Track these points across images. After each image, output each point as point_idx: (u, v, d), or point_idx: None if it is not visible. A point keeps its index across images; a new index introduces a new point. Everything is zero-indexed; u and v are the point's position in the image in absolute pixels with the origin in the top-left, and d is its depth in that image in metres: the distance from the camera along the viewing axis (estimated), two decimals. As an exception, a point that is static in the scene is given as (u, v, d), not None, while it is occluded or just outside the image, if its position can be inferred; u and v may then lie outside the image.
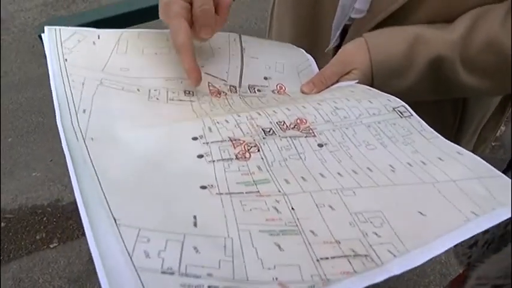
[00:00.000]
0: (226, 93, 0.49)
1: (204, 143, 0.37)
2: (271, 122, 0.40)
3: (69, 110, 0.38)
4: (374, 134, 0.40)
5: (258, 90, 0.51)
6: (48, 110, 1.95)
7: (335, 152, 0.38)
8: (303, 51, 0.58)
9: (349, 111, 0.42)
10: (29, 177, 1.84)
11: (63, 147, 0.33)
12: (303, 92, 0.52)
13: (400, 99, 0.45)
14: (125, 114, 0.40)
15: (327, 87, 0.52)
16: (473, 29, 0.47)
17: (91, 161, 0.32)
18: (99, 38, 0.49)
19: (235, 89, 0.50)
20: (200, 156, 0.36)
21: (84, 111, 0.39)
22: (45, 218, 1.69)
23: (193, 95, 0.47)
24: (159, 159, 0.35)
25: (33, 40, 2.57)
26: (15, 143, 1.98)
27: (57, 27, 0.48)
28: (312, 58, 0.57)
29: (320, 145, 0.39)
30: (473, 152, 0.37)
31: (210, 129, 0.39)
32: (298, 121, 0.41)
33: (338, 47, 0.57)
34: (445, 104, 0.61)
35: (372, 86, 0.50)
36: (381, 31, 0.52)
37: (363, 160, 0.37)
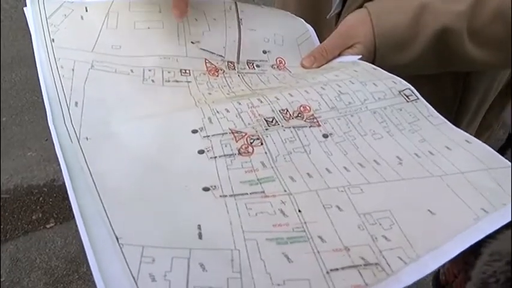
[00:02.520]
0: (224, 71, 0.47)
1: (204, 137, 0.35)
2: (273, 111, 0.38)
3: (61, 105, 0.36)
4: (380, 121, 0.39)
5: (257, 66, 0.49)
6: (42, 89, 1.91)
7: (340, 143, 0.36)
8: (302, 21, 0.55)
9: (353, 96, 0.41)
10: (24, 156, 1.82)
11: (57, 151, 0.31)
12: (303, 66, 0.50)
13: (402, 73, 0.43)
14: (119, 104, 0.38)
15: (328, 61, 0.50)
16: None
17: (88, 167, 0.30)
18: (86, 11, 0.46)
19: (234, 65, 0.48)
20: (201, 151, 0.34)
21: (76, 104, 0.36)
22: (41, 198, 1.68)
23: (189, 75, 0.45)
24: (159, 158, 0.33)
25: (25, 18, 2.49)
26: (9, 122, 1.95)
27: None
28: (312, 29, 0.55)
29: (325, 135, 0.37)
30: (477, 138, 0.36)
31: (210, 120, 0.37)
32: (302, 109, 0.39)
33: (340, 14, 0.55)
34: (445, 80, 0.59)
35: (374, 59, 0.49)
36: (383, 0, 0.49)
37: (370, 151, 0.36)
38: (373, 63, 0.48)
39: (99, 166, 0.31)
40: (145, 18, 0.48)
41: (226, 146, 0.35)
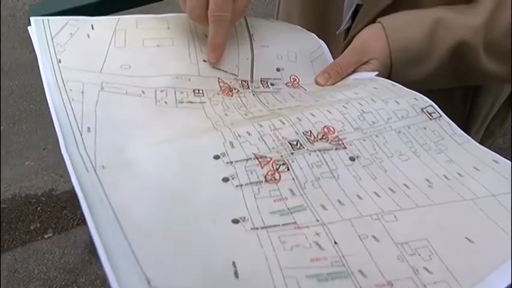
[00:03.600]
0: (238, 90, 0.45)
1: (227, 163, 0.34)
2: (297, 133, 0.37)
3: (73, 131, 0.34)
4: (405, 141, 0.38)
5: (271, 84, 0.48)
6: (41, 97, 1.89)
7: (368, 166, 0.35)
8: (315, 36, 0.54)
9: (376, 114, 0.39)
10: (22, 166, 1.79)
11: (73, 181, 0.29)
12: (317, 84, 0.49)
13: (418, 88, 0.43)
14: (134, 128, 0.36)
15: (342, 78, 0.49)
16: (497, 12, 0.45)
17: (107, 199, 0.29)
18: (93, 28, 0.44)
19: (247, 84, 0.47)
20: (226, 179, 0.32)
21: (88, 129, 0.35)
22: (39, 208, 1.65)
23: (203, 95, 0.43)
24: (182, 188, 0.31)
25: (23, 25, 2.47)
26: (7, 131, 1.92)
27: (45, 18, 0.43)
28: (324, 44, 0.53)
29: (352, 158, 0.36)
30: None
31: (231, 144, 0.35)
32: (326, 130, 0.37)
33: (349, 29, 0.54)
34: (455, 93, 0.59)
35: (389, 74, 0.48)
36: (397, 15, 0.49)
37: (398, 175, 0.35)
38: (388, 78, 0.47)
39: (120, 198, 0.29)
40: (154, 36, 0.46)
41: (251, 172, 0.33)
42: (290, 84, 0.49)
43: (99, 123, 0.36)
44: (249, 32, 0.51)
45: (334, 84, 0.49)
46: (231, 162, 0.34)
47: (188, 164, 0.33)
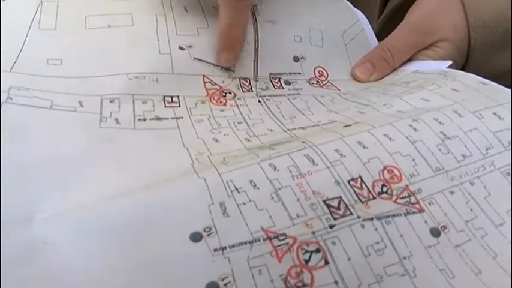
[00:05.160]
0: (234, 95, 0.30)
1: (216, 251, 0.18)
2: (337, 182, 0.21)
3: None
4: None
5: (287, 83, 0.32)
6: None
7: (463, 246, 0.20)
8: (349, 4, 0.37)
9: (468, 141, 0.24)
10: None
11: None
12: (356, 79, 0.34)
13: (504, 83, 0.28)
14: (61, 172, 0.21)
15: (394, 70, 0.34)
16: None
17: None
18: None
19: (249, 84, 0.31)
20: None
21: None
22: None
23: (179, 105, 0.27)
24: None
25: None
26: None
27: None
28: (363, 17, 0.37)
29: (435, 231, 0.20)
30: None
31: (223, 208, 0.19)
32: (386, 173, 0.22)
33: None
34: None
35: (465, 64, 0.35)
36: None
37: None
38: (463, 69, 0.34)
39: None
40: (103, 10, 0.30)
41: (260, 272, 0.18)
42: (315, 82, 0.33)
43: (4, 166, 0.20)
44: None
45: (381, 79, 0.33)
46: (223, 250, 0.18)
47: (148, 247, 0.18)
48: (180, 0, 0.32)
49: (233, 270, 0.18)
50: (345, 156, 0.22)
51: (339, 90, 0.32)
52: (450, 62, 0.31)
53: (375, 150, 0.22)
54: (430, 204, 0.21)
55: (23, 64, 0.26)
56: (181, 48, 0.30)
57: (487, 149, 0.23)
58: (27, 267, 0.17)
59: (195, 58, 0.30)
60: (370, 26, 0.37)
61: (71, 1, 0.30)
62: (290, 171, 0.21)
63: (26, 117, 0.23)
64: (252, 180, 0.21)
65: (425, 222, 0.20)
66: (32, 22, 0.28)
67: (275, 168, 0.21)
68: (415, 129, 0.24)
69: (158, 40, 0.29)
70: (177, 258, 0.18)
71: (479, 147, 0.23)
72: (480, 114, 0.25)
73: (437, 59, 0.33)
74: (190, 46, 0.30)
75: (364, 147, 0.23)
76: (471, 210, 0.21)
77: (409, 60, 0.34)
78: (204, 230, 0.19)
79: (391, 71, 0.34)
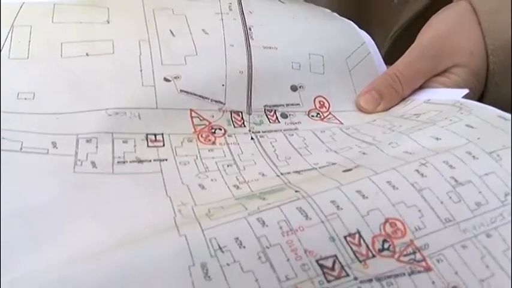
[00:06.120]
0: (225, 132, 0.27)
1: None
2: (332, 238, 0.19)
3: None
4: None
5: (283, 116, 0.30)
6: None
7: None
8: (353, 25, 0.35)
9: (482, 186, 0.21)
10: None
11: None
12: (361, 109, 0.32)
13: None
14: (30, 226, 0.19)
15: (403, 99, 0.32)
16: None
17: None
18: None
19: (241, 118, 0.29)
20: None
21: None
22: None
23: (163, 144, 0.25)
24: None
25: None
26: None
27: None
28: (370, 39, 0.35)
29: None
30: None
31: (205, 270, 0.17)
32: (388, 226, 0.19)
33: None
34: None
35: (483, 92, 0.32)
36: None
37: None
38: (480, 98, 0.31)
39: None
40: (80, 37, 0.28)
41: None
42: (315, 114, 0.30)
43: None
44: (244, 23, 0.32)
45: (389, 110, 0.30)
46: None
47: None
48: (166, 23, 0.30)
49: None
50: (342, 208, 0.20)
51: (341, 123, 0.30)
52: (466, 91, 0.29)
53: (376, 200, 0.20)
54: (438, 261, 0.19)
55: None
56: (166, 80, 0.28)
57: (505, 195, 0.21)
58: None
59: (181, 90, 0.28)
60: (377, 49, 0.34)
61: (45, 25, 0.28)
62: (280, 227, 0.19)
63: None
64: (237, 238, 0.19)
65: (433, 282, 0.18)
66: (1, 51, 0.26)
67: (264, 223, 0.19)
68: (422, 174, 0.21)
69: (141, 71, 0.28)
70: None
71: (496, 193, 0.21)
72: (498, 156, 0.22)
73: (452, 87, 0.30)
74: (176, 77, 0.28)
75: (364, 196, 0.20)
76: (487, 267, 0.19)
77: (420, 87, 0.32)
78: None
79: (399, 100, 0.31)
